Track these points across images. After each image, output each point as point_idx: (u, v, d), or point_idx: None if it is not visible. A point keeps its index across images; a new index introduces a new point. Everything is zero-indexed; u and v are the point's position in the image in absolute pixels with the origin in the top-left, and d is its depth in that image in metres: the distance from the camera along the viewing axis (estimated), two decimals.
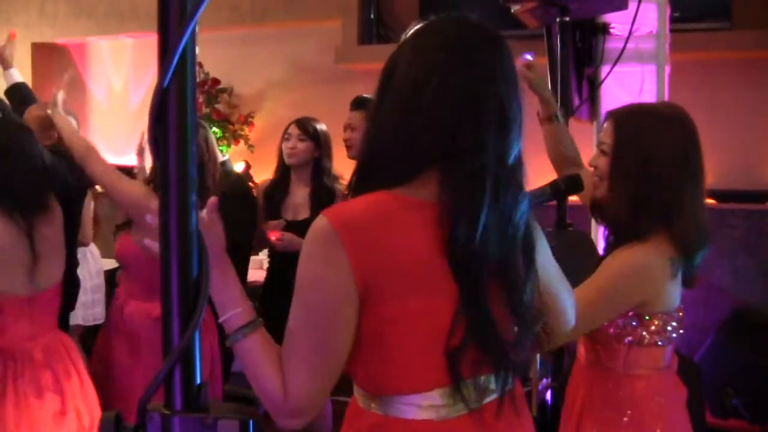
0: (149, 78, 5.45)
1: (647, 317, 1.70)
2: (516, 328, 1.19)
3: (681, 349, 2.46)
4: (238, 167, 4.65)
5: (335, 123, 3.20)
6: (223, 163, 3.27)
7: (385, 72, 1.20)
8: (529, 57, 2.12)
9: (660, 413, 1.74)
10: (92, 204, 3.60)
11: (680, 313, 1.75)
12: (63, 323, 2.43)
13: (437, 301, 1.14)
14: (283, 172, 3.22)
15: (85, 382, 2.28)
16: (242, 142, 5.00)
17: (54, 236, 2.22)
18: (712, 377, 3.36)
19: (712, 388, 3.38)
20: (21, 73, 3.32)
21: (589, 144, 2.96)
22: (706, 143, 1.73)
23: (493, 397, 1.21)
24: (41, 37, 5.49)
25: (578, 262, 1.74)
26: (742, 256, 3.91)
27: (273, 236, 3.01)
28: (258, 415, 0.72)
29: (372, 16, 4.66)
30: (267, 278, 3.28)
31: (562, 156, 2.23)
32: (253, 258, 3.49)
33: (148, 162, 2.82)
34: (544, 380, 2.27)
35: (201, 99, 4.94)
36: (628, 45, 2.58)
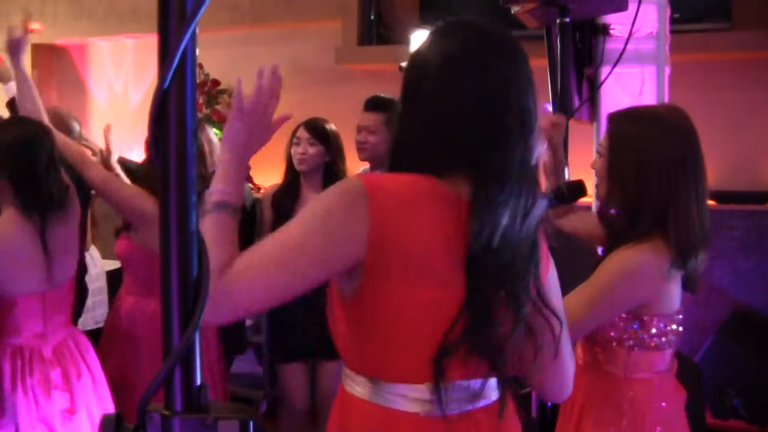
0: (149, 79, 5.46)
1: (647, 319, 1.70)
2: (515, 329, 1.19)
3: (681, 349, 2.46)
4: None
5: (335, 123, 3.19)
6: None
7: (411, 72, 1.23)
8: (549, 108, 2.08)
9: (660, 417, 1.74)
10: (89, 208, 3.59)
11: (680, 316, 1.75)
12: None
13: (443, 294, 1.14)
14: (292, 177, 3.04)
15: (99, 381, 2.29)
16: None
17: (68, 235, 2.24)
18: (713, 378, 3.35)
19: (713, 389, 3.38)
20: None
21: (589, 145, 2.96)
22: (706, 144, 1.72)
23: (483, 403, 1.21)
24: (41, 38, 5.48)
25: (577, 263, 1.74)
26: (743, 256, 3.91)
27: None
28: (258, 415, 0.72)
29: (372, 17, 4.66)
30: None
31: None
32: None
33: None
34: None
35: (201, 100, 4.94)
36: (628, 46, 2.58)
